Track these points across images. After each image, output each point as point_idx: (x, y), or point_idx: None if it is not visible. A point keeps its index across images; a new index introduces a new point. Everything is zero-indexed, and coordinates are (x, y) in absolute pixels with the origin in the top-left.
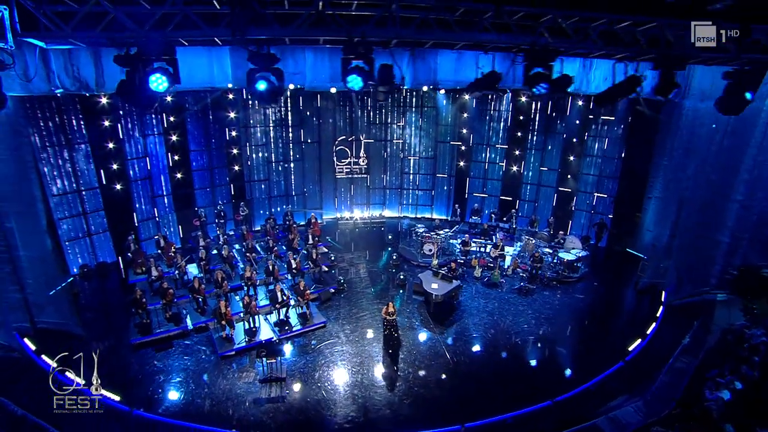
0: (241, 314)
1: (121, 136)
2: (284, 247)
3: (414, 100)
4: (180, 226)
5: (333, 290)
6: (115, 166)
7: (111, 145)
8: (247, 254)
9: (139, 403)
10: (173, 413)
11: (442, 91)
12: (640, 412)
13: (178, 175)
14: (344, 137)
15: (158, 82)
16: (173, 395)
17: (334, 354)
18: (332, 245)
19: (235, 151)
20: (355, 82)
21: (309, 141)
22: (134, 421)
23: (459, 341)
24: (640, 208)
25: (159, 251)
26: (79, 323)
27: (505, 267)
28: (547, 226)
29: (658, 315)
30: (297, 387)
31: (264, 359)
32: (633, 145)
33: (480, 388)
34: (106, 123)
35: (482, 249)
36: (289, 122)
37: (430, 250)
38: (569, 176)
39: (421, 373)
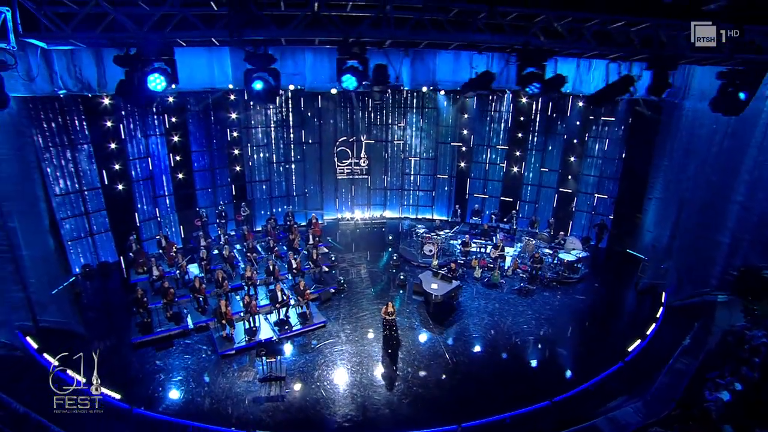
0: (242, 314)
1: (123, 137)
2: (285, 248)
3: (414, 101)
4: (181, 226)
5: (333, 290)
6: (117, 167)
7: (113, 146)
8: (248, 254)
9: (139, 401)
10: (173, 411)
11: (443, 92)
12: (639, 413)
13: (180, 176)
14: (345, 138)
15: (156, 82)
16: (173, 394)
17: (333, 353)
18: (333, 246)
19: (236, 151)
20: (349, 81)
21: (310, 142)
22: (135, 419)
23: (458, 341)
24: (641, 209)
25: (160, 251)
26: (81, 322)
27: (505, 268)
28: (547, 226)
29: (658, 316)
30: (296, 386)
31: (264, 358)
32: (633, 145)
33: (479, 389)
34: (109, 123)
35: (482, 249)
36: (290, 123)
37: (431, 251)
38: (570, 177)
39: (421, 373)
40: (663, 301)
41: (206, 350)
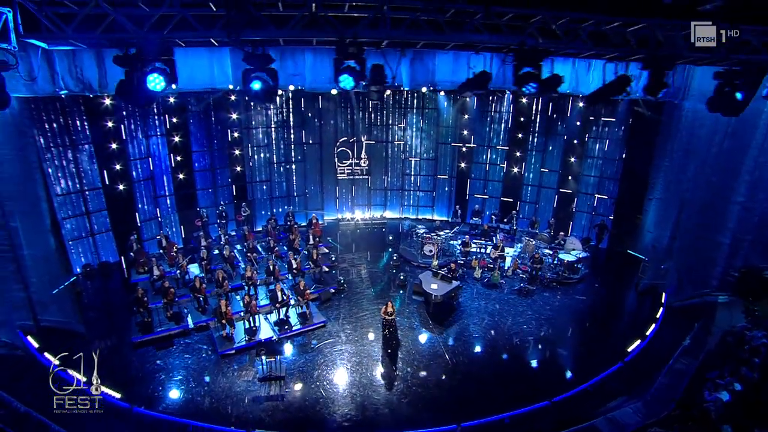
0: (242, 313)
1: (124, 137)
2: (285, 248)
3: (415, 101)
4: (182, 226)
5: (333, 290)
6: (118, 167)
7: (114, 146)
8: (248, 254)
9: (139, 400)
10: (173, 411)
11: (443, 93)
12: (638, 413)
13: (181, 176)
14: (345, 138)
15: (156, 82)
16: (174, 393)
17: (333, 353)
18: (333, 246)
19: (237, 152)
20: (346, 81)
21: (310, 142)
22: (135, 419)
23: (458, 342)
24: (641, 210)
25: (161, 251)
26: (82, 322)
27: (506, 268)
28: (547, 227)
29: (658, 316)
30: (296, 386)
31: (263, 358)
32: (633, 146)
33: (479, 389)
34: (110, 124)
35: (482, 250)
36: (291, 123)
37: (431, 251)
38: (570, 178)
39: (421, 373)
40: (663, 301)
41: (206, 350)
